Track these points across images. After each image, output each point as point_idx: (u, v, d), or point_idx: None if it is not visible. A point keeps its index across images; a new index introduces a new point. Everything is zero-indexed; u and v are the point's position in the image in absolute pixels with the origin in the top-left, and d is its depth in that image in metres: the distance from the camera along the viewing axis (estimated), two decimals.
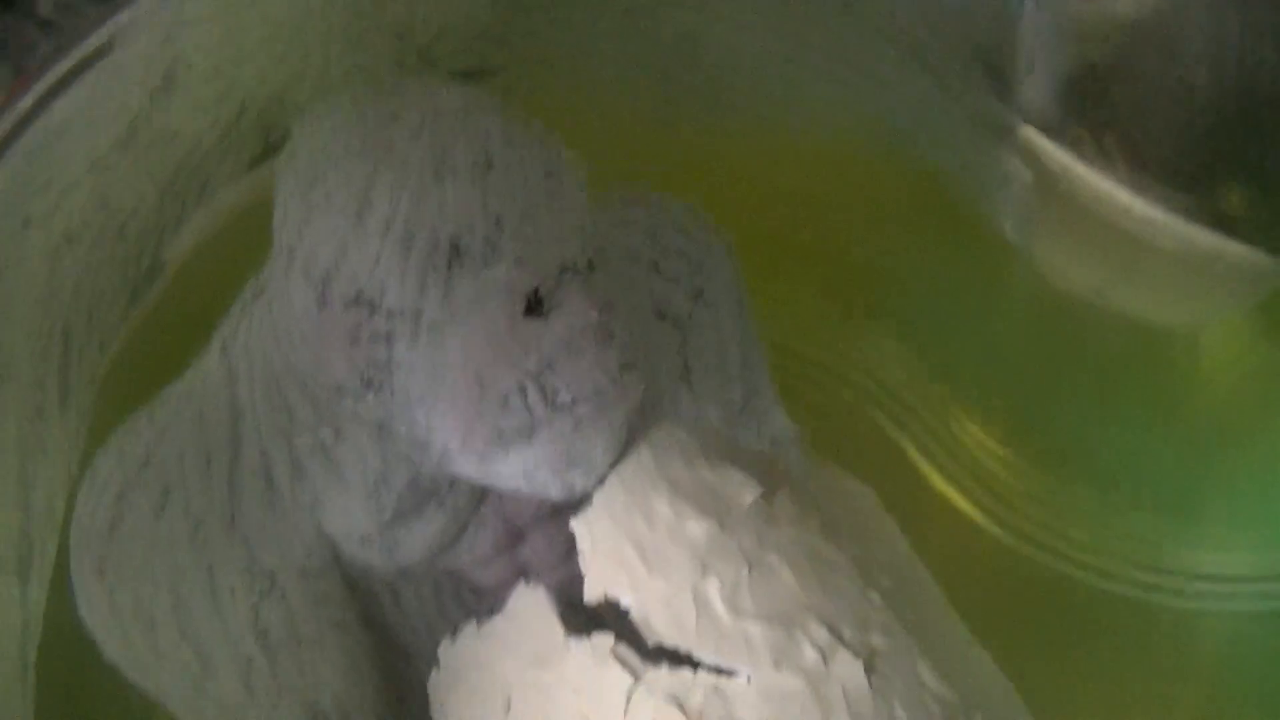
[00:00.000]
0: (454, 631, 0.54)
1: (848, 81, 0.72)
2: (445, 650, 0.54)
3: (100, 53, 0.62)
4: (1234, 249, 0.67)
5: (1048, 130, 0.69)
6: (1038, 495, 0.72)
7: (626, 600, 0.50)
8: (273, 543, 0.54)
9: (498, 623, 0.52)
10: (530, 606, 0.52)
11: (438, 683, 0.54)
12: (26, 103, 0.61)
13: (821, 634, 0.49)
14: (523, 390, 0.49)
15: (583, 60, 0.72)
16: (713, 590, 0.50)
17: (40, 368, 0.62)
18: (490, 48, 0.71)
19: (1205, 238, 0.67)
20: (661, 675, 0.49)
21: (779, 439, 0.61)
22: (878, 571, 0.53)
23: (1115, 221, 0.68)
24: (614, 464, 0.53)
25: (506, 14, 0.70)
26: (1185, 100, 0.68)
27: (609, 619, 0.51)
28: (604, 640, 0.50)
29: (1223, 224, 0.67)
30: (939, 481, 0.73)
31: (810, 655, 0.49)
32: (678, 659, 0.49)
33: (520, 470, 0.51)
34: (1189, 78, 0.67)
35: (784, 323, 0.71)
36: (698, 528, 0.51)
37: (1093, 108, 0.69)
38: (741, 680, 0.49)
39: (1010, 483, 0.72)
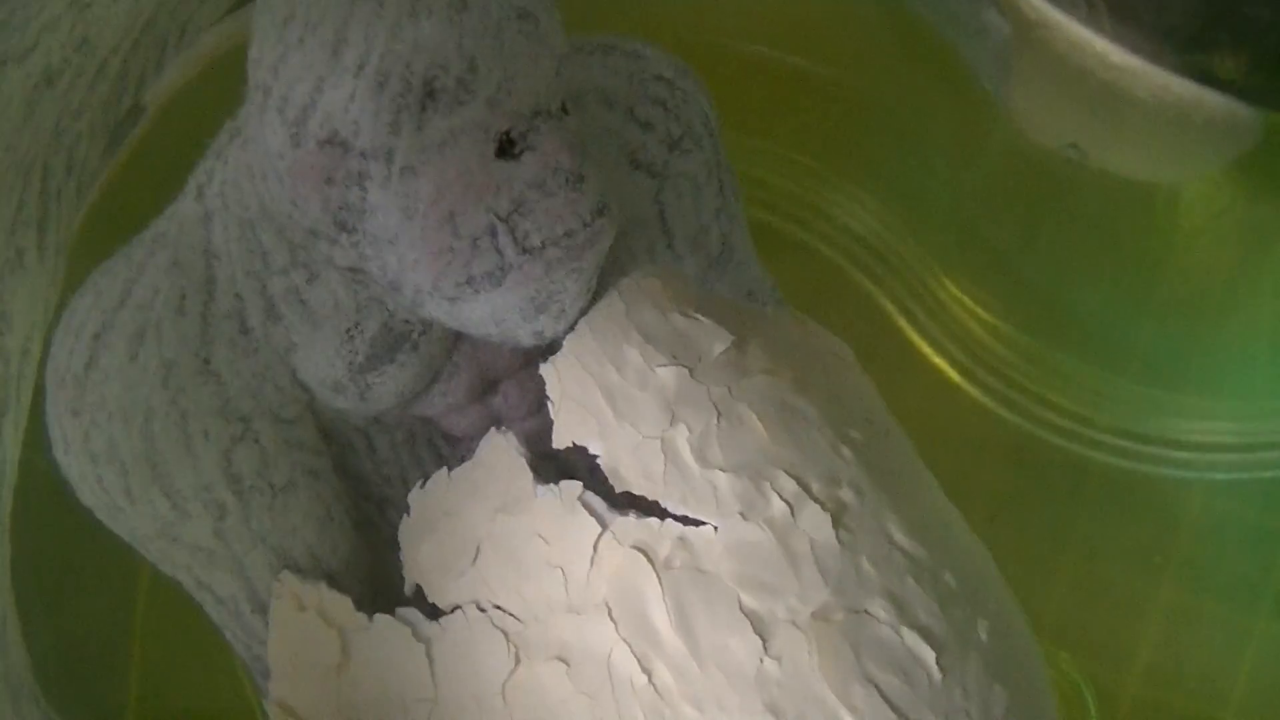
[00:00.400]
0: (425, 479, 0.54)
1: None
2: (415, 497, 0.54)
3: None
4: (1212, 99, 0.66)
5: None
6: (1016, 356, 0.72)
7: (595, 448, 0.50)
8: (246, 387, 0.54)
9: (468, 469, 0.52)
10: (500, 454, 0.52)
11: (408, 529, 0.54)
12: None
13: (789, 486, 0.49)
14: (493, 232, 0.49)
15: None
16: (681, 439, 0.50)
17: (17, 209, 0.62)
18: None
19: (1183, 87, 0.66)
20: (629, 524, 0.49)
21: (754, 291, 0.60)
22: (850, 426, 0.52)
23: (1092, 70, 0.67)
24: (585, 310, 0.52)
25: None
26: None
27: (579, 470, 0.51)
28: (572, 488, 0.50)
29: (1212, 84, 0.66)
30: (916, 339, 0.72)
31: (778, 507, 0.49)
32: (645, 508, 0.49)
33: (490, 314, 0.51)
34: None
35: (761, 175, 0.70)
36: (668, 375, 0.51)
37: None
38: (708, 530, 0.49)
39: (988, 343, 0.72)
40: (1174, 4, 0.67)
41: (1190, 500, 0.71)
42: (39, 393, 0.57)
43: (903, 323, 0.72)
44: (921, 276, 0.73)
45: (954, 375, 0.72)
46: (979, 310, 0.72)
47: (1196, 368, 0.72)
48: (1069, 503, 0.70)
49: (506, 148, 0.49)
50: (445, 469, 0.53)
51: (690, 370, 0.51)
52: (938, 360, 0.72)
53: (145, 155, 0.66)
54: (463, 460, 0.53)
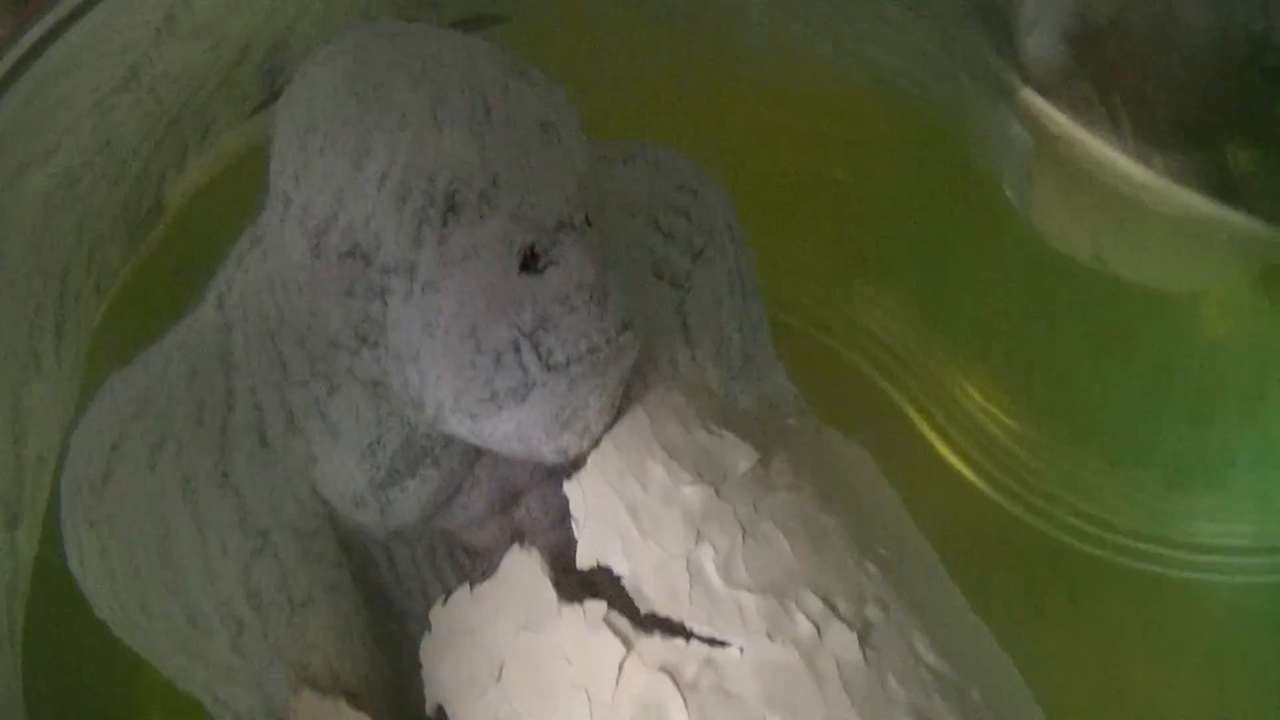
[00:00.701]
0: (446, 595, 0.53)
1: (853, 28, 0.71)
2: (437, 614, 0.53)
3: None
4: (1234, 217, 0.66)
5: (1050, 92, 0.68)
6: (1038, 461, 0.72)
7: (620, 566, 0.50)
8: (266, 500, 0.54)
9: (490, 586, 0.52)
10: (523, 570, 0.51)
11: (429, 647, 0.53)
12: (30, 38, 0.61)
13: (816, 605, 0.49)
14: (517, 348, 0.49)
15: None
16: (706, 558, 0.49)
17: (35, 313, 0.62)
18: None
19: (1205, 205, 0.66)
20: (654, 644, 0.48)
21: (777, 401, 0.60)
22: (874, 540, 0.52)
23: (1115, 187, 0.67)
24: (609, 426, 0.52)
25: None
26: (1187, 59, 0.67)
27: (602, 585, 0.50)
28: (596, 608, 0.49)
29: (1226, 186, 0.66)
30: (939, 444, 0.72)
31: (804, 627, 0.48)
32: (670, 628, 0.49)
33: (514, 430, 0.50)
34: (1190, 36, 0.66)
35: (783, 280, 0.70)
36: (692, 493, 0.50)
37: (1095, 67, 0.68)
38: (734, 651, 0.48)
39: (1010, 448, 0.72)
40: (1189, 99, 0.67)
41: (1212, 602, 0.70)
42: (55, 500, 0.56)
43: (924, 426, 0.72)
44: (942, 380, 0.72)
45: (975, 479, 0.71)
46: (999, 414, 0.72)
47: (1216, 471, 0.72)
48: (1091, 605, 0.70)
49: (530, 262, 0.49)
50: (467, 585, 0.53)
51: (715, 488, 0.50)
52: (959, 464, 0.72)
53: (165, 255, 0.67)
54: (484, 574, 0.53)
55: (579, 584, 0.51)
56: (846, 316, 0.73)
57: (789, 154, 0.72)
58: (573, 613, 0.49)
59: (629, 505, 0.50)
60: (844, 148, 0.73)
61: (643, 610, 0.49)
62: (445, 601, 0.53)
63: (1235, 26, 0.65)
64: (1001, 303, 0.73)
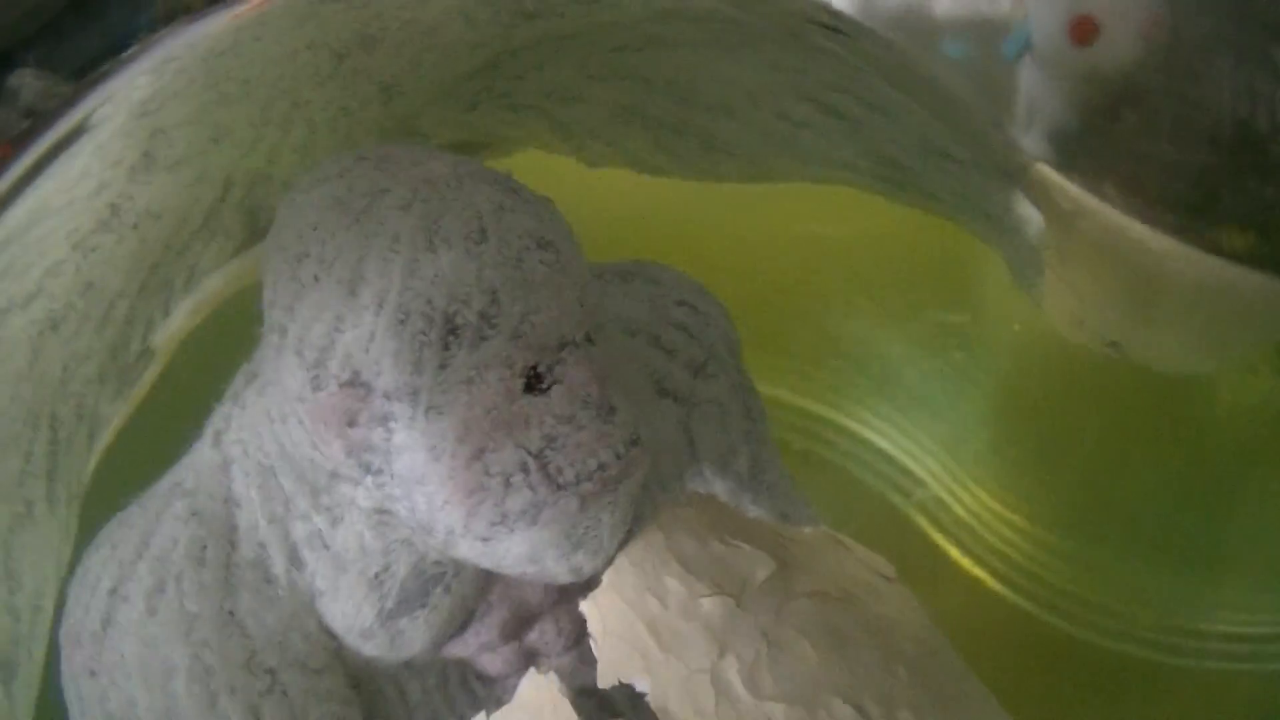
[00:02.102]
0: None
1: (847, 120, 0.71)
2: None
3: (77, 131, 0.62)
4: (1249, 279, 0.66)
5: (1061, 167, 0.68)
6: (1053, 558, 0.71)
7: (641, 684, 0.49)
8: (272, 637, 0.52)
9: (507, 713, 0.51)
10: (541, 694, 0.50)
11: None
12: (4, 185, 0.60)
13: (845, 712, 0.48)
14: (525, 469, 0.48)
15: (573, 108, 0.71)
16: (731, 670, 0.48)
17: (25, 460, 0.61)
18: (477, 117, 0.70)
19: (1220, 268, 0.66)
20: None
21: (788, 510, 0.59)
22: (899, 642, 0.51)
23: (1131, 257, 0.67)
24: (623, 543, 0.51)
25: (493, 78, 0.69)
26: (1185, 139, 0.67)
27: (624, 705, 0.49)
28: None
29: (1241, 255, 0.66)
30: (952, 550, 0.72)
31: None
32: None
33: (526, 552, 0.49)
34: (1187, 116, 0.67)
35: (782, 394, 0.70)
36: (712, 605, 0.49)
37: (1094, 153, 0.68)
38: None
39: (1024, 547, 0.71)
40: (1179, 181, 0.67)
41: (1238, 691, 0.69)
42: (52, 651, 0.55)
43: (936, 535, 0.72)
44: (950, 486, 0.72)
45: (992, 582, 0.71)
46: (1011, 515, 0.72)
47: (1236, 558, 0.71)
48: (1117, 700, 0.69)
49: (534, 382, 0.49)
50: (483, 713, 0.51)
51: (735, 599, 0.49)
52: (974, 568, 0.71)
53: (156, 400, 0.66)
54: (499, 701, 0.51)
55: (598, 706, 0.50)
56: (846, 429, 0.73)
57: (784, 254, 0.72)
58: None
59: (648, 621, 0.49)
60: (838, 249, 0.73)
61: None
62: None
63: (1259, 98, 0.65)
64: (1010, 401, 0.73)
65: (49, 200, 0.61)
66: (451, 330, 0.48)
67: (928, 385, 0.74)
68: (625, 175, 0.72)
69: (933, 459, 0.72)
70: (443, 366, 0.48)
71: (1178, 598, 0.70)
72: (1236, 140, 0.67)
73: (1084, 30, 0.68)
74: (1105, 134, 0.68)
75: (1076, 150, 0.68)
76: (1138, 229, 0.66)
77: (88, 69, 0.62)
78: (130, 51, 0.62)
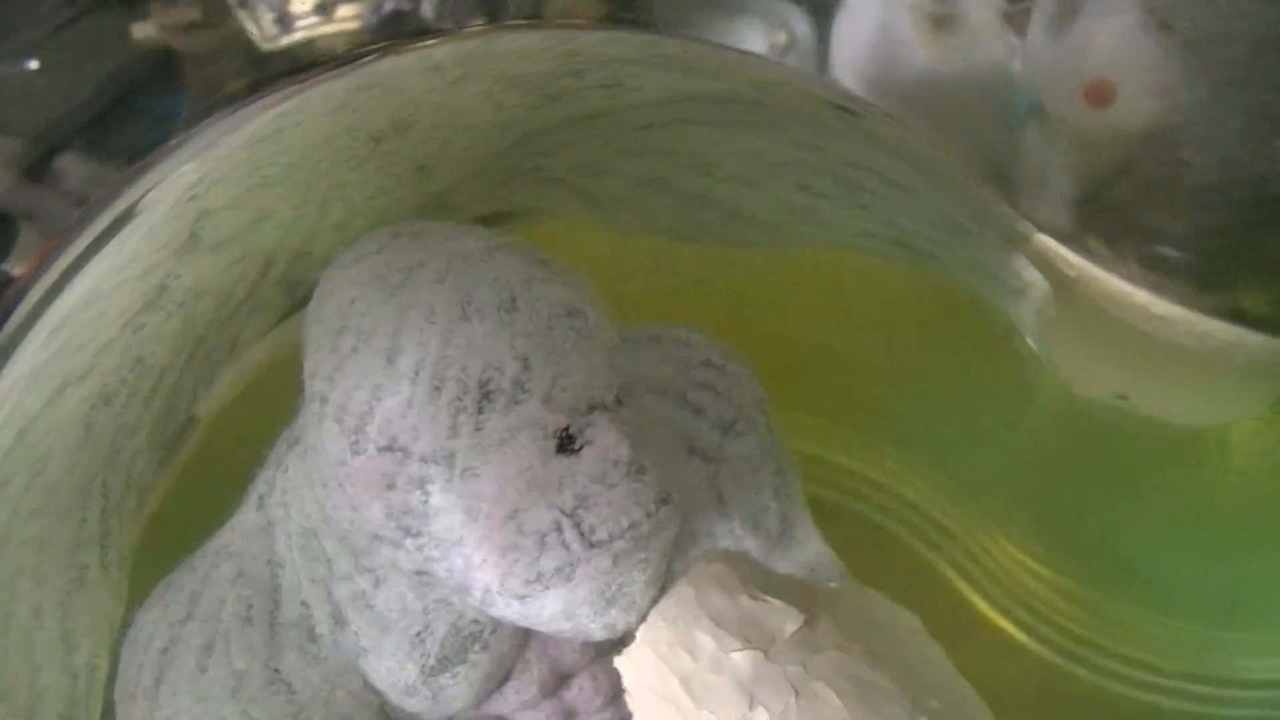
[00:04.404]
0: None
1: (864, 191, 0.72)
2: None
3: (127, 215, 0.63)
4: (1255, 341, 0.67)
5: (1063, 238, 0.69)
6: (1079, 610, 0.71)
7: None
8: (317, 695, 0.54)
9: None
10: None
11: None
12: (55, 272, 0.62)
13: None
14: (559, 528, 0.49)
15: (601, 181, 0.73)
16: None
17: (79, 527, 0.62)
18: (509, 191, 0.72)
19: (1226, 331, 0.67)
20: None
21: (816, 565, 0.60)
22: (926, 693, 0.52)
23: (1135, 323, 0.68)
24: (655, 599, 0.52)
25: (523, 156, 0.71)
26: (1196, 201, 0.68)
27: None
28: None
29: (1244, 323, 0.67)
30: (978, 602, 0.72)
31: None
32: None
33: (561, 610, 0.51)
34: (1198, 178, 0.67)
35: (811, 450, 0.71)
36: (742, 659, 0.50)
37: (1105, 217, 0.69)
38: None
39: (1050, 599, 0.71)
40: (1195, 244, 0.68)
41: None
42: (108, 711, 0.56)
43: (963, 587, 0.72)
44: (978, 538, 0.72)
45: (1019, 635, 0.71)
46: (1037, 567, 0.72)
47: (1256, 604, 0.71)
48: None
49: (565, 443, 0.50)
50: None
51: (764, 652, 0.50)
52: (1001, 622, 0.71)
53: (199, 467, 0.67)
54: None
55: None
56: (876, 482, 0.74)
57: (805, 321, 0.73)
58: None
59: (681, 676, 0.50)
60: (861, 311, 0.74)
61: None
62: None
63: (1237, 166, 0.66)
64: (1031, 455, 0.74)
65: (101, 283, 0.63)
66: (485, 395, 0.49)
67: (950, 440, 0.74)
68: (653, 242, 0.74)
69: (959, 511, 0.73)
70: (477, 430, 0.49)
71: (1205, 646, 0.70)
72: (1253, 199, 0.68)
73: (1100, 93, 0.69)
74: (1118, 193, 0.69)
75: (1086, 219, 0.69)
76: (1140, 296, 0.67)
77: (135, 157, 0.64)
78: (177, 139, 0.64)
